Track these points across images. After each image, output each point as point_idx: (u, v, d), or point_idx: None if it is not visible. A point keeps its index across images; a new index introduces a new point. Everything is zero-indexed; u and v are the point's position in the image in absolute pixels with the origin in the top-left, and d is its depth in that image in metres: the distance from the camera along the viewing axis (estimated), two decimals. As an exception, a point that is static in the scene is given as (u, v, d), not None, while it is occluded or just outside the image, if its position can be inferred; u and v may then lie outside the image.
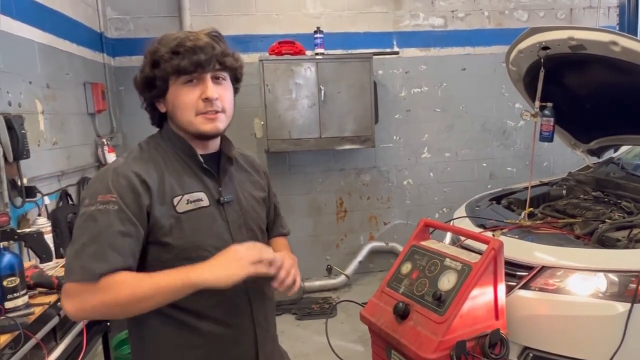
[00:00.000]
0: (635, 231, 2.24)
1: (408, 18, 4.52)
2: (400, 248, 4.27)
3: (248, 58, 4.21)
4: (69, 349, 1.91)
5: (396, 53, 4.47)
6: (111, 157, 3.48)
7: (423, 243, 2.30)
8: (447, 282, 1.98)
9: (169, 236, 1.16)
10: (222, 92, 1.22)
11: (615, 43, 2.29)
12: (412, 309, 1.99)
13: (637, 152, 3.46)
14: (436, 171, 4.74)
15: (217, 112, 1.21)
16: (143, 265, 1.17)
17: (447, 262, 2.06)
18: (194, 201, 1.20)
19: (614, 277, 2.02)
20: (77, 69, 3.34)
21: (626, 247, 2.15)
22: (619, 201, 2.71)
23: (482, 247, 2.05)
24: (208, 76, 1.19)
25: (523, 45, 2.73)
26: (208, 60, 1.17)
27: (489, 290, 1.95)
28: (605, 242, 2.25)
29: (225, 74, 1.25)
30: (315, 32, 4.05)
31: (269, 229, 1.47)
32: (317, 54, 4.02)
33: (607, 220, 2.43)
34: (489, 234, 2.36)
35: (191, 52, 1.16)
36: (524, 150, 4.81)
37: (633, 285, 1.96)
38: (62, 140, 3.01)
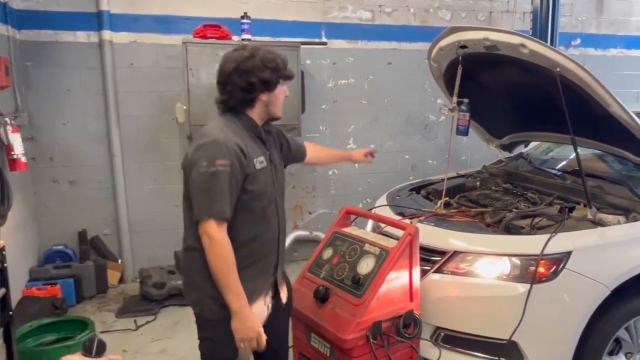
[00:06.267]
0: (537, 219, 2.43)
1: (337, 9, 4.56)
2: (324, 237, 4.31)
3: (170, 40, 4.06)
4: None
5: (324, 44, 4.49)
6: (15, 137, 3.16)
7: (344, 229, 2.35)
8: (365, 266, 2.04)
9: (250, 184, 1.74)
10: None
11: (524, 45, 2.45)
12: (332, 293, 2.03)
13: (544, 148, 3.74)
14: (361, 162, 4.83)
15: None
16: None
17: (367, 247, 2.12)
18: (262, 162, 1.79)
19: (516, 261, 2.19)
20: (-24, 40, 3.04)
21: (529, 234, 2.32)
22: (526, 192, 2.92)
23: (400, 233, 2.13)
24: None
25: (443, 42, 2.85)
26: None
27: (405, 273, 2.03)
28: (511, 229, 2.42)
29: None
30: (243, 17, 3.97)
31: (292, 151, 2.13)
32: (243, 39, 3.94)
33: (514, 209, 2.62)
34: (407, 221, 2.46)
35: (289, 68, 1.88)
36: (444, 144, 5.02)
37: (532, 268, 2.13)
38: (-42, 116, 2.74)
